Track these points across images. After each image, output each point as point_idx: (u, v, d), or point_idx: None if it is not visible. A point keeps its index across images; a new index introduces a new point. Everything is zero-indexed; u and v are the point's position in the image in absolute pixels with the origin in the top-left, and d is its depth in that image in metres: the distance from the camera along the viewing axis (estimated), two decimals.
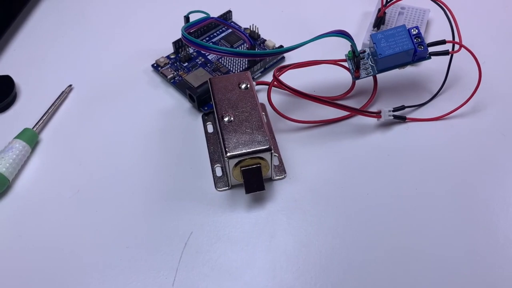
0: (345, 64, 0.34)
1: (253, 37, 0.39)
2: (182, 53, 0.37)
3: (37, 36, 0.43)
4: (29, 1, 0.45)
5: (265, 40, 0.39)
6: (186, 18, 0.35)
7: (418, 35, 0.32)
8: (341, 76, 0.36)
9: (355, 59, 0.33)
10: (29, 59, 0.40)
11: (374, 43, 0.32)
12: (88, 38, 0.42)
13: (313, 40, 0.31)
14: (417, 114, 0.34)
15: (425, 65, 0.37)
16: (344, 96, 0.35)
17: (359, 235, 0.28)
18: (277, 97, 0.36)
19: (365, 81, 0.35)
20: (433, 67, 0.36)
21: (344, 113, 0.34)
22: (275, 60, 0.38)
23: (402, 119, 0.33)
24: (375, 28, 0.39)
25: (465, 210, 0.29)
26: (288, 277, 0.26)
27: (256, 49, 0.38)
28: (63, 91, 0.37)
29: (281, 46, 0.38)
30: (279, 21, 0.42)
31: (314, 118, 0.34)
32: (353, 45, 0.32)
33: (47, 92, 0.37)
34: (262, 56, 0.34)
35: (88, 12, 0.45)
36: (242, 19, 0.42)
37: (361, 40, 0.39)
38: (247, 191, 0.28)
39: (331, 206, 0.29)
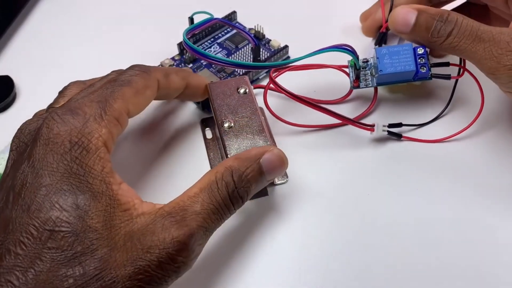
0: (346, 70, 0.34)
1: (258, 37, 0.39)
2: (187, 54, 0.37)
3: (37, 36, 0.42)
4: (29, 1, 0.44)
5: (270, 40, 0.39)
6: (191, 19, 0.35)
7: (423, 56, 0.31)
8: (343, 78, 0.35)
9: (355, 71, 0.33)
10: (29, 59, 0.40)
11: (377, 58, 0.32)
12: (89, 38, 0.42)
13: (315, 54, 0.30)
14: (415, 133, 0.33)
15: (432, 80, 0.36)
16: (343, 99, 0.35)
17: (360, 240, 0.28)
18: (276, 99, 0.35)
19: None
20: (440, 83, 0.35)
21: None
22: (280, 60, 0.38)
23: (398, 137, 0.33)
24: (377, 46, 0.37)
25: (465, 234, 0.28)
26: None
27: (261, 49, 0.37)
28: None
29: (286, 46, 0.38)
30: (285, 20, 0.42)
31: (313, 121, 0.33)
32: (355, 60, 0.32)
33: (47, 92, 0.36)
34: (261, 68, 0.34)
35: (89, 12, 0.44)
36: (247, 19, 0.41)
37: (367, 49, 0.38)
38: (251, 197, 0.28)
39: (332, 209, 0.29)
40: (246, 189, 0.24)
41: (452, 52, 0.30)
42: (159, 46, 0.39)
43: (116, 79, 0.26)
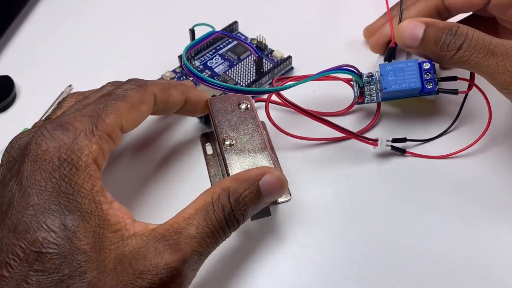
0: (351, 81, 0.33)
1: (261, 48, 0.38)
2: None
3: (37, 36, 0.42)
4: (29, 1, 0.44)
5: (273, 50, 0.38)
6: (192, 31, 0.34)
7: (429, 71, 0.31)
8: (345, 87, 0.34)
9: (360, 88, 0.32)
10: (29, 59, 0.40)
11: (381, 75, 0.31)
12: (89, 38, 0.41)
13: (318, 77, 0.29)
14: (420, 149, 0.33)
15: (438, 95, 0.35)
16: (346, 111, 0.35)
17: (365, 256, 0.28)
18: (278, 111, 0.35)
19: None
20: (446, 97, 0.35)
21: None
22: (283, 71, 0.37)
23: (401, 152, 0.32)
24: (386, 61, 0.36)
25: (469, 249, 0.28)
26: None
27: (264, 60, 0.37)
28: (63, 91, 0.37)
29: (289, 57, 0.37)
30: (287, 30, 0.41)
31: (316, 133, 0.33)
32: (358, 80, 0.31)
33: (47, 92, 0.37)
34: (264, 93, 0.34)
35: (90, 13, 0.44)
36: (249, 29, 0.40)
37: (371, 65, 0.37)
38: (253, 218, 0.28)
39: (335, 225, 0.29)
40: (243, 212, 0.24)
41: (462, 66, 0.29)
42: (160, 58, 0.38)
43: (111, 93, 0.25)
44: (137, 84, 0.26)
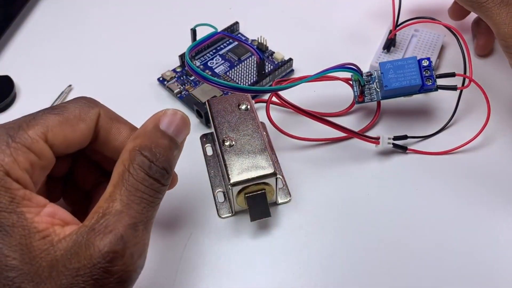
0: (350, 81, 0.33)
1: (261, 49, 0.38)
2: None
3: (37, 36, 0.42)
4: (28, 1, 0.44)
5: (274, 52, 0.38)
6: (193, 31, 0.34)
7: (428, 68, 0.31)
8: (345, 88, 0.34)
9: (360, 87, 0.32)
10: (29, 59, 0.40)
11: (381, 73, 0.31)
12: (89, 38, 0.41)
13: (320, 75, 0.29)
14: (420, 145, 0.33)
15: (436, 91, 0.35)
16: (346, 112, 0.35)
17: (368, 255, 0.28)
18: (279, 112, 0.35)
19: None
20: (444, 94, 0.35)
21: None
22: (284, 73, 0.37)
23: (403, 149, 0.32)
24: (385, 50, 0.37)
25: (470, 256, 0.28)
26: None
27: (266, 62, 0.37)
28: (62, 91, 0.37)
29: (290, 59, 0.37)
30: (288, 31, 0.41)
31: (317, 134, 0.33)
32: (360, 78, 0.31)
33: (47, 92, 0.37)
34: (266, 92, 0.34)
35: (90, 13, 0.44)
36: (249, 30, 0.40)
37: (369, 62, 0.37)
38: (253, 219, 0.28)
39: (336, 229, 0.29)
40: (165, 158, 0.22)
41: (476, 8, 0.30)
42: (160, 58, 0.38)
43: (54, 106, 0.24)
44: (85, 100, 0.25)
